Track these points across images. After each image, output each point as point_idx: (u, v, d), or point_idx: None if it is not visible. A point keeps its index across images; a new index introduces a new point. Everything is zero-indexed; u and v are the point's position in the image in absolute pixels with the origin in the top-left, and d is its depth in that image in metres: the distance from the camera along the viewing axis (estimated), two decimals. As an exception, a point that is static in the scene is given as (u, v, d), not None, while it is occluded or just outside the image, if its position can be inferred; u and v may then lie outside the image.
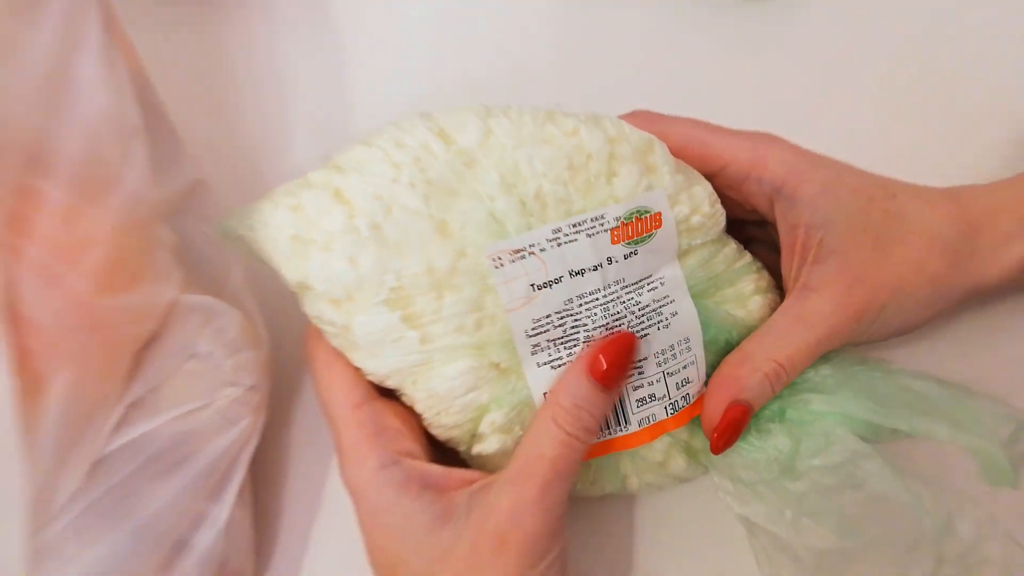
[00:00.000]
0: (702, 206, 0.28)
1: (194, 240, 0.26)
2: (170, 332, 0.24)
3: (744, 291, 0.30)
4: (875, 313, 0.28)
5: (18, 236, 0.20)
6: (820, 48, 0.38)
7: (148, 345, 0.24)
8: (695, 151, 0.29)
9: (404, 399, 0.27)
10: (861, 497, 0.25)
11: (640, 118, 0.29)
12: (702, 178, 0.29)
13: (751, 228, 0.32)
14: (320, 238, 0.25)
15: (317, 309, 0.26)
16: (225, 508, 0.26)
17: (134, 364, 0.23)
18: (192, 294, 0.24)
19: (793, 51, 0.38)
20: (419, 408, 0.26)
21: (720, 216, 0.29)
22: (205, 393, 0.25)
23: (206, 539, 0.26)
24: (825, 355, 0.28)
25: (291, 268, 0.26)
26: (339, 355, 0.27)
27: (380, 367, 0.26)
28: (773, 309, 0.29)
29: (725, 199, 0.29)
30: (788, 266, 0.29)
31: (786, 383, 0.28)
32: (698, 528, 0.31)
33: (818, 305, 0.28)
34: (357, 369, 0.27)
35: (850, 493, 0.25)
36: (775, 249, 0.30)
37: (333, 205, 0.26)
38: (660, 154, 0.28)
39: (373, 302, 0.25)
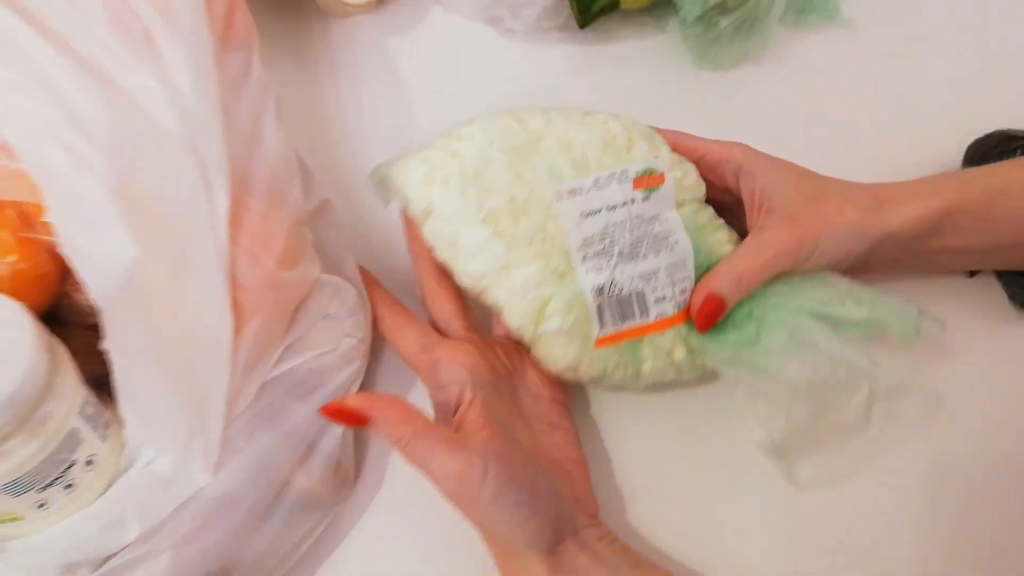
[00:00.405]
0: (689, 175, 0.43)
1: (324, 238, 0.38)
2: (313, 299, 0.36)
3: (720, 239, 0.42)
4: (810, 243, 0.40)
5: (236, 230, 0.31)
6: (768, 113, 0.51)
7: (299, 307, 0.35)
8: (683, 145, 0.43)
9: (488, 298, 0.39)
10: (814, 354, 0.38)
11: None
12: (690, 162, 0.43)
13: (724, 213, 0.45)
14: (441, 178, 0.39)
15: (435, 228, 0.39)
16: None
17: (291, 319, 0.35)
18: (326, 274, 0.36)
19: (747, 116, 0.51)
20: (501, 302, 0.39)
21: (702, 186, 0.43)
22: (332, 341, 0.37)
23: (328, 444, 0.37)
24: (779, 276, 0.41)
25: (420, 198, 0.39)
26: (405, 316, 0.41)
27: (476, 270, 0.39)
28: (735, 246, 0.43)
29: (705, 182, 0.43)
30: (750, 219, 0.42)
31: (748, 288, 0.40)
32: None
33: (769, 236, 0.40)
34: (418, 323, 0.40)
35: (807, 351, 0.38)
36: (739, 224, 0.44)
37: (450, 159, 0.40)
38: (660, 140, 0.43)
39: (475, 222, 0.39)
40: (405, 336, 0.40)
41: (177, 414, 0.31)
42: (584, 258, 0.40)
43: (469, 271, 0.39)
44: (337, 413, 0.34)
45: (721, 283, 0.39)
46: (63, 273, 0.35)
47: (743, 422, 0.39)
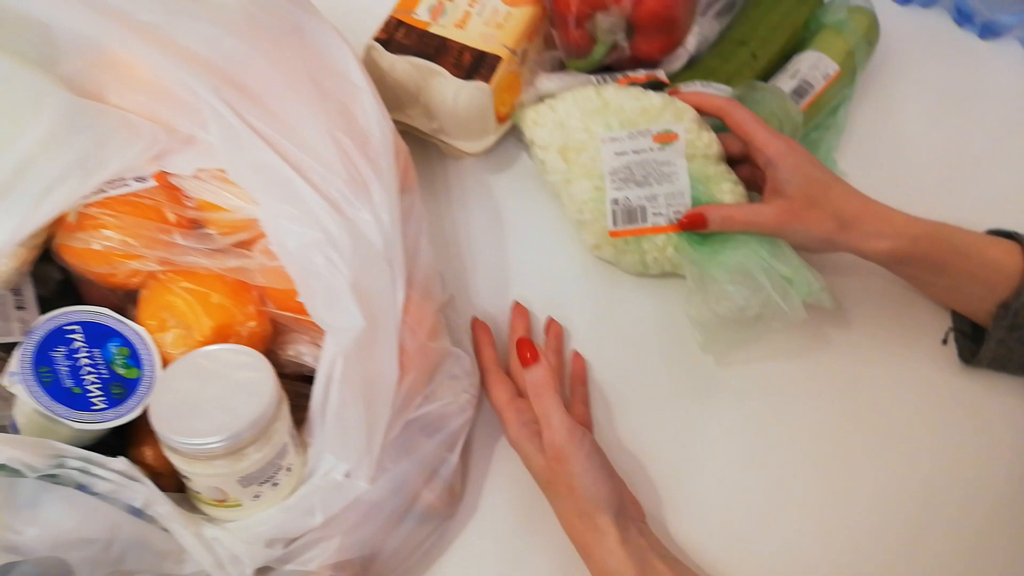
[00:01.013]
0: (703, 139, 0.62)
1: (451, 321, 0.53)
2: (444, 363, 0.50)
3: (723, 188, 0.61)
4: (788, 229, 0.56)
5: (404, 313, 0.47)
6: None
7: (435, 368, 0.50)
8: (741, 127, 0.59)
9: (559, 196, 0.65)
10: (748, 279, 0.57)
11: (725, 102, 0.61)
12: (711, 131, 0.62)
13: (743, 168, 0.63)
14: (541, 122, 0.65)
15: (535, 152, 0.65)
16: (455, 456, 0.51)
17: (429, 377, 0.50)
18: (452, 346, 0.51)
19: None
20: (569, 204, 0.64)
21: (715, 147, 0.62)
22: (454, 395, 0.51)
23: (446, 471, 0.51)
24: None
25: (528, 132, 0.65)
26: (501, 376, 0.56)
27: (551, 180, 0.65)
28: (737, 198, 0.61)
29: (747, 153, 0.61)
30: (764, 192, 0.58)
31: (727, 227, 0.57)
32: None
33: (763, 208, 0.57)
34: (508, 382, 0.55)
35: (744, 275, 0.57)
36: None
37: (550, 111, 0.65)
38: (689, 114, 0.62)
39: (554, 151, 0.64)
40: (499, 389, 0.55)
41: (360, 436, 0.45)
42: (612, 181, 0.61)
43: (548, 180, 0.65)
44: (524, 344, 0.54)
45: (712, 212, 0.58)
46: (273, 336, 0.50)
47: (684, 303, 0.60)
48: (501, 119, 0.67)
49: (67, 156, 0.43)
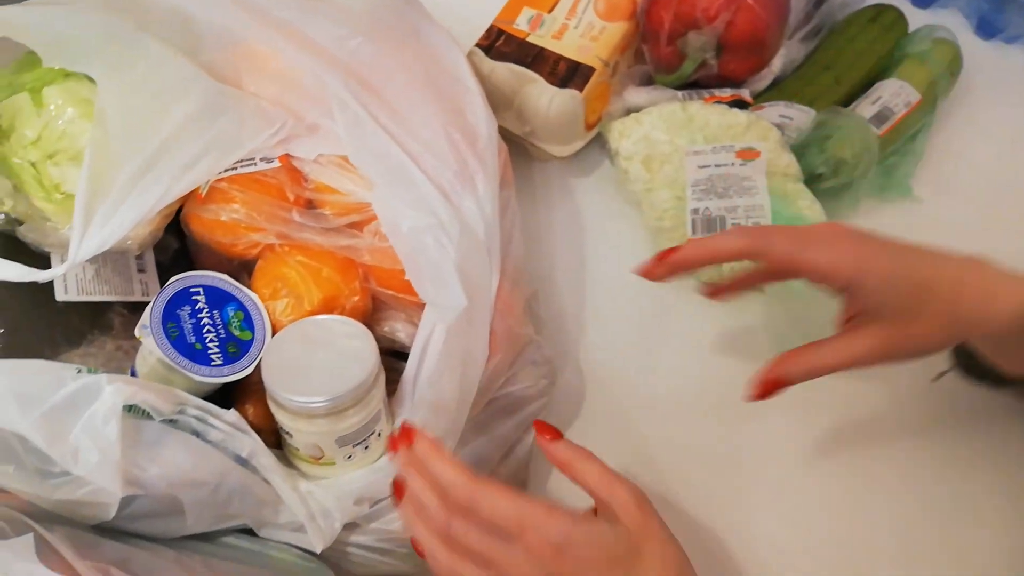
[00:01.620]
0: (780, 159, 0.65)
1: (533, 312, 0.57)
2: (526, 350, 0.54)
3: (799, 203, 0.65)
4: (899, 357, 0.45)
5: (496, 298, 0.50)
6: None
7: (518, 354, 0.54)
8: (794, 260, 0.46)
9: (640, 204, 0.67)
10: None
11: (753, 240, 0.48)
12: (791, 153, 0.66)
13: None
14: (627, 134, 0.68)
15: (619, 163, 0.68)
16: (530, 438, 0.54)
17: (512, 361, 0.53)
18: (535, 335, 0.55)
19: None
20: (649, 212, 0.67)
21: (792, 168, 0.65)
22: (533, 380, 0.54)
23: (521, 451, 0.54)
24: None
25: (614, 144, 0.68)
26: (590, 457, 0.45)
27: (633, 189, 0.68)
28: (815, 215, 0.64)
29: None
30: (844, 321, 0.48)
31: (814, 375, 0.46)
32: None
33: (857, 340, 0.45)
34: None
35: None
36: None
37: (636, 124, 0.68)
38: (772, 134, 0.66)
39: (638, 162, 0.67)
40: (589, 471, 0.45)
41: (450, 408, 0.48)
42: (693, 191, 0.64)
43: (629, 188, 0.68)
44: (546, 430, 0.45)
45: (791, 364, 0.47)
46: (372, 312, 0.54)
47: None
48: (589, 126, 0.71)
49: (208, 136, 0.47)
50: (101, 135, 0.47)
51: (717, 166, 0.65)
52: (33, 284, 0.47)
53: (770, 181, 0.64)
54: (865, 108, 0.72)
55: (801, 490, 0.58)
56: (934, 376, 0.57)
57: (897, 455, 0.58)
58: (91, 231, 0.45)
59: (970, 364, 0.55)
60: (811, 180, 0.68)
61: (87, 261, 0.54)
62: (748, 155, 0.65)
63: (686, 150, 0.66)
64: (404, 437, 0.45)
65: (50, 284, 0.52)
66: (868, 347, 0.45)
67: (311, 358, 0.48)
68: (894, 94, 0.72)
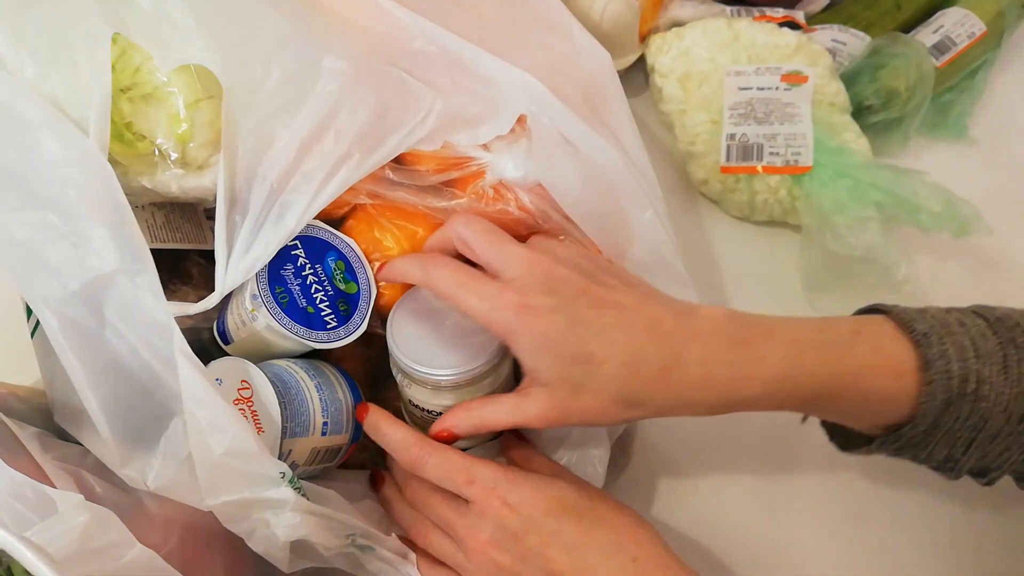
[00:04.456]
0: (829, 87, 0.64)
1: None
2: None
3: (845, 135, 0.63)
4: (566, 424, 0.43)
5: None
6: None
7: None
8: (453, 303, 0.44)
9: (673, 126, 0.67)
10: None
11: (418, 264, 0.46)
12: (841, 82, 0.65)
13: None
14: (665, 49, 0.67)
15: (654, 80, 0.68)
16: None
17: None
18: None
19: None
20: (682, 135, 0.66)
21: (840, 97, 0.64)
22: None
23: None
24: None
25: (651, 58, 0.68)
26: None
27: (668, 108, 0.67)
28: (862, 149, 0.63)
29: None
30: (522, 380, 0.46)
31: (478, 431, 0.45)
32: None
33: (525, 401, 0.42)
34: None
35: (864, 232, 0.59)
36: None
37: (677, 39, 0.67)
38: (823, 59, 0.64)
39: (674, 78, 0.67)
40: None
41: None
42: (731, 115, 0.63)
43: (664, 109, 0.68)
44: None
45: (455, 418, 0.45)
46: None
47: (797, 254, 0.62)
48: (643, 37, 0.69)
49: (348, 135, 0.44)
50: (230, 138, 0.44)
51: (759, 89, 0.64)
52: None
53: (815, 110, 0.63)
54: (925, 37, 0.71)
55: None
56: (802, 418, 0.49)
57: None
58: (233, 259, 0.44)
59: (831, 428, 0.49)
60: (859, 112, 0.67)
61: (157, 208, 0.53)
62: (794, 79, 0.64)
63: (727, 70, 0.64)
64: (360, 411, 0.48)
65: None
66: (537, 412, 0.42)
67: (441, 327, 0.46)
68: (957, 23, 0.71)
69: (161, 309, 0.40)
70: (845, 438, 0.47)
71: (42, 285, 0.40)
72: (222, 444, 0.39)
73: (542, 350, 0.41)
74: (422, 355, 0.45)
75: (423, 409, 0.48)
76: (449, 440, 0.45)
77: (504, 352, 0.46)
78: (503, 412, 0.43)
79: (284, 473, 0.40)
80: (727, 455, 0.57)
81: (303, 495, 0.40)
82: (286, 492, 0.39)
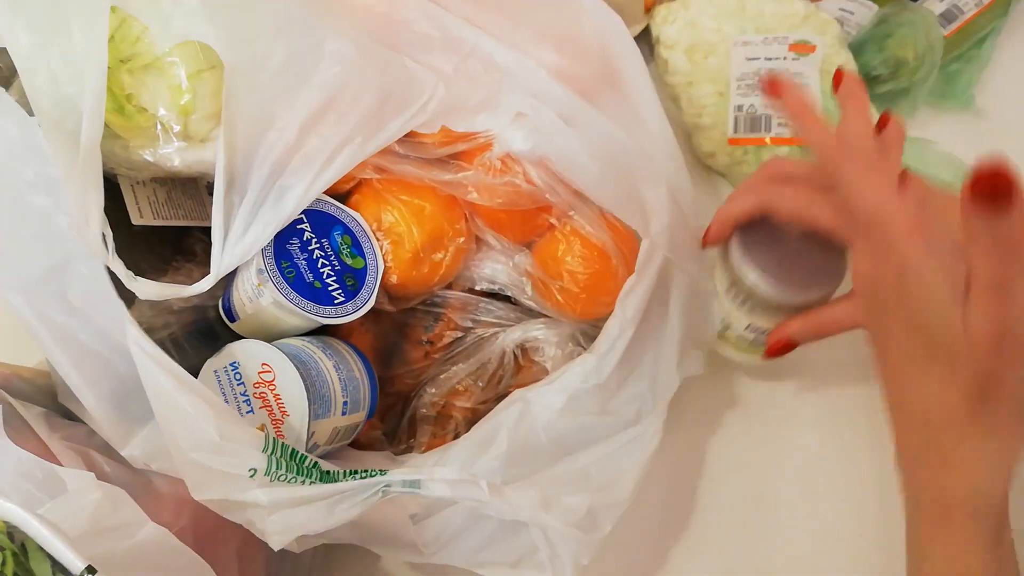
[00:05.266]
0: (838, 56, 0.62)
1: None
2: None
3: None
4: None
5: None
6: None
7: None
8: (837, 171, 0.42)
9: (679, 98, 0.65)
10: None
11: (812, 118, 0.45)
12: (851, 56, 0.63)
13: None
14: (671, 19, 0.65)
15: (659, 51, 0.66)
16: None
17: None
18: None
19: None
20: (688, 108, 0.65)
21: (849, 67, 0.63)
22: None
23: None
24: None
25: (656, 29, 0.65)
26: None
27: (673, 81, 0.65)
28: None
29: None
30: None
31: (818, 336, 0.47)
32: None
33: (844, 307, 0.46)
34: None
35: None
36: None
37: (683, 9, 0.64)
38: (831, 28, 0.63)
39: (680, 51, 0.64)
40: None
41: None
42: (738, 86, 0.62)
43: (669, 81, 0.65)
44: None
45: (795, 326, 0.47)
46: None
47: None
48: (648, 8, 0.68)
49: (351, 119, 0.43)
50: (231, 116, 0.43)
51: (767, 59, 0.63)
52: (112, 212, 0.45)
53: (823, 81, 0.63)
54: (932, 5, 0.70)
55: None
56: None
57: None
58: (230, 241, 0.43)
59: None
60: (866, 82, 0.66)
61: (158, 184, 0.52)
62: (803, 49, 0.63)
63: (734, 40, 0.63)
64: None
65: (126, 212, 0.50)
66: (857, 320, 0.45)
67: (782, 254, 0.48)
68: (965, -10, 0.69)
69: (115, 300, 0.39)
70: None
71: (7, 273, 0.40)
72: (188, 441, 0.38)
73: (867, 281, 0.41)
74: (786, 279, 0.47)
75: (759, 331, 0.51)
76: (784, 351, 0.48)
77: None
78: (842, 314, 0.46)
79: (253, 471, 0.38)
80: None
81: (301, 477, 0.39)
82: (257, 495, 0.38)
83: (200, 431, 0.37)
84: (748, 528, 0.56)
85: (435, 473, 0.40)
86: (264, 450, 0.38)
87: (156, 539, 0.35)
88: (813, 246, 0.47)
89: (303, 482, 0.39)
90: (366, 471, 0.40)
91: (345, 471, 0.40)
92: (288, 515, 0.38)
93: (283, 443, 0.39)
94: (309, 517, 0.38)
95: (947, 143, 0.64)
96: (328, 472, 0.40)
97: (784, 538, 0.55)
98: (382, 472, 0.40)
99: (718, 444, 0.58)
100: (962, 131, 0.68)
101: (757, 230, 0.48)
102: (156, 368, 0.38)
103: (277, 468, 0.38)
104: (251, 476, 0.37)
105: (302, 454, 0.40)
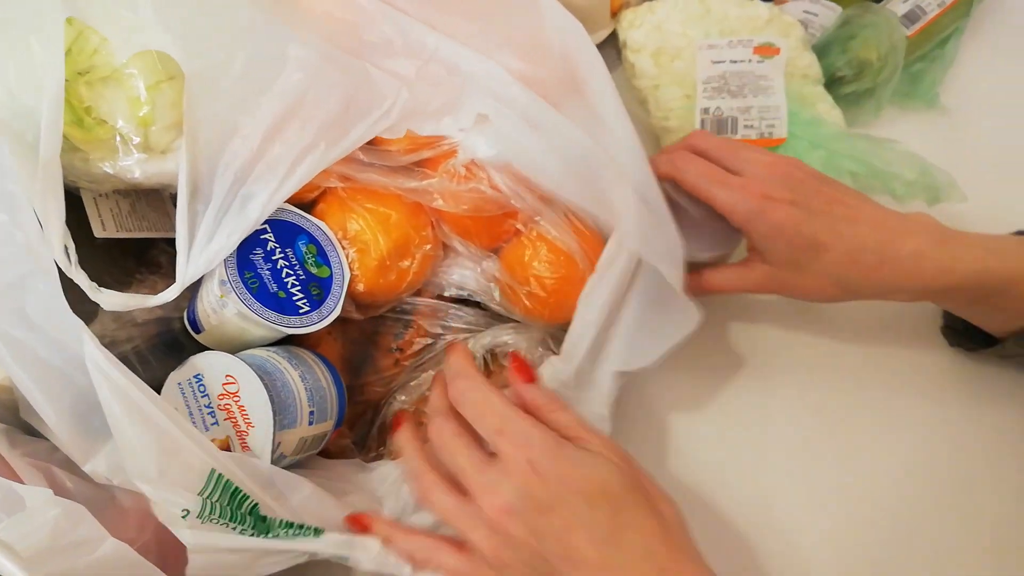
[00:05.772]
0: (801, 59, 0.64)
1: None
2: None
3: (818, 106, 0.64)
4: (785, 294, 0.51)
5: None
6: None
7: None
8: (700, 195, 0.50)
9: (646, 100, 0.66)
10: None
11: (668, 160, 0.51)
12: (814, 54, 0.64)
13: None
14: (637, 24, 0.65)
15: (626, 56, 0.66)
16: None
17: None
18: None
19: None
20: (655, 111, 0.65)
21: (813, 69, 0.64)
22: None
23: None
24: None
25: (622, 33, 0.66)
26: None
27: (641, 84, 0.66)
28: (836, 120, 0.63)
29: None
30: (748, 253, 0.52)
31: (706, 291, 0.51)
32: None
33: (749, 272, 0.50)
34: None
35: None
36: None
37: (649, 13, 0.65)
38: (795, 30, 0.64)
39: (647, 55, 0.65)
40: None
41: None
42: (704, 89, 0.63)
43: (636, 85, 0.66)
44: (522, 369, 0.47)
45: (694, 284, 0.50)
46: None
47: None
48: (614, 12, 0.69)
49: (314, 124, 0.43)
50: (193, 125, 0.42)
51: (732, 62, 0.64)
52: (74, 225, 0.45)
53: (788, 82, 0.63)
54: (895, 6, 0.70)
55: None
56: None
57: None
58: (195, 250, 0.43)
59: (955, 326, 0.56)
60: (831, 83, 0.67)
61: (121, 196, 0.52)
62: (767, 51, 0.64)
63: (699, 43, 0.64)
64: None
65: (89, 225, 0.49)
66: (757, 281, 0.50)
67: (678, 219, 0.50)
68: (927, -9, 0.70)
69: (71, 317, 0.39)
70: (971, 342, 0.54)
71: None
72: (133, 468, 0.37)
73: (777, 236, 0.47)
74: (686, 238, 0.49)
75: None
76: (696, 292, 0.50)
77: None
78: (730, 276, 0.51)
79: (186, 512, 0.37)
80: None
81: (234, 523, 0.39)
82: (184, 535, 0.37)
83: (142, 463, 0.37)
84: (737, 529, 0.56)
85: (365, 543, 0.41)
86: (200, 493, 0.38)
87: (117, 554, 0.35)
88: (716, 213, 0.50)
89: (235, 528, 0.39)
90: (302, 526, 0.40)
91: (281, 521, 0.40)
92: (211, 557, 0.38)
93: (224, 483, 0.38)
94: (232, 564, 0.38)
95: (913, 142, 0.65)
96: (264, 519, 0.40)
97: (777, 538, 0.55)
98: (316, 531, 0.41)
99: (703, 443, 0.58)
100: (927, 130, 0.69)
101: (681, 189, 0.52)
102: (109, 392, 0.37)
103: (211, 512, 0.38)
104: (183, 517, 0.38)
105: (241, 497, 0.39)
